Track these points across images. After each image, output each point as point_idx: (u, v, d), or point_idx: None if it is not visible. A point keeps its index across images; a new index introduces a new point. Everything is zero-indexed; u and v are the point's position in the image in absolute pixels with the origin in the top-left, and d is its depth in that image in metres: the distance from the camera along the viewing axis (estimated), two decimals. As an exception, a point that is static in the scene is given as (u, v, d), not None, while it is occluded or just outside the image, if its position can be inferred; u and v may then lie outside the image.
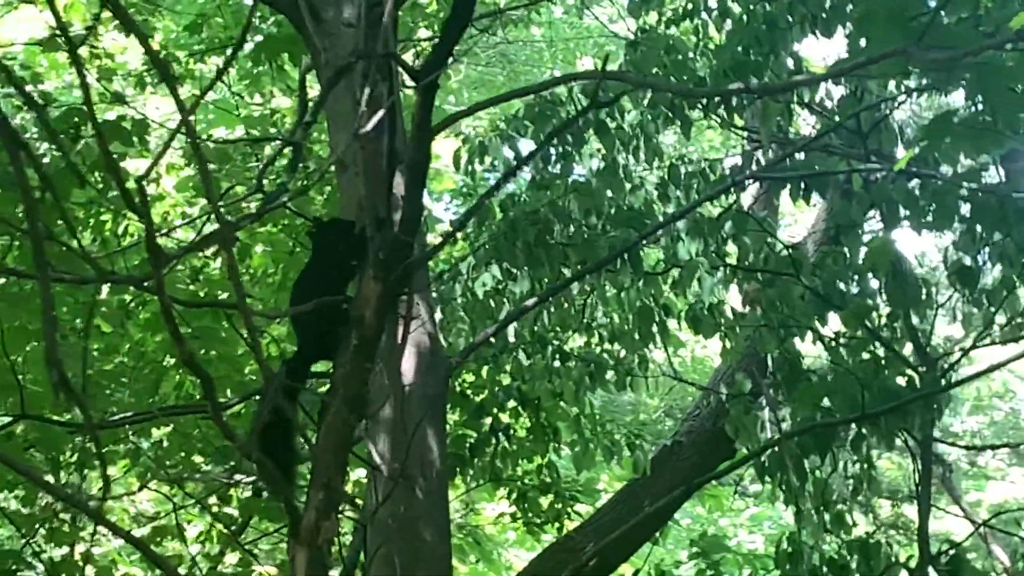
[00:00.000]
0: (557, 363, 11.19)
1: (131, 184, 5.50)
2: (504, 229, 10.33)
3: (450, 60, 8.84)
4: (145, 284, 5.84)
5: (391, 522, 8.03)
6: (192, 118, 4.83)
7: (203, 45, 12.56)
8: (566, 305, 11.07)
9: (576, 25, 17.53)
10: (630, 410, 17.77)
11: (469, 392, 11.63)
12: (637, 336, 10.48)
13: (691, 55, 10.73)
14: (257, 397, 8.30)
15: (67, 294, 9.00)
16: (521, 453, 11.81)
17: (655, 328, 10.79)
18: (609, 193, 10.57)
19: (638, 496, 12.40)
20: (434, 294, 10.98)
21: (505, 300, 10.61)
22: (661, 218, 10.39)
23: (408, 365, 8.42)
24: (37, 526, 9.45)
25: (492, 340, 10.90)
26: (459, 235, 11.04)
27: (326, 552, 6.73)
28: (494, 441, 11.66)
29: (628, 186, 10.57)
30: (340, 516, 8.28)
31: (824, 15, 9.88)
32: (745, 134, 10.96)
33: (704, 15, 11.11)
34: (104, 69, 11.13)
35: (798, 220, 18.68)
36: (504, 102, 7.81)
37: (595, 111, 10.60)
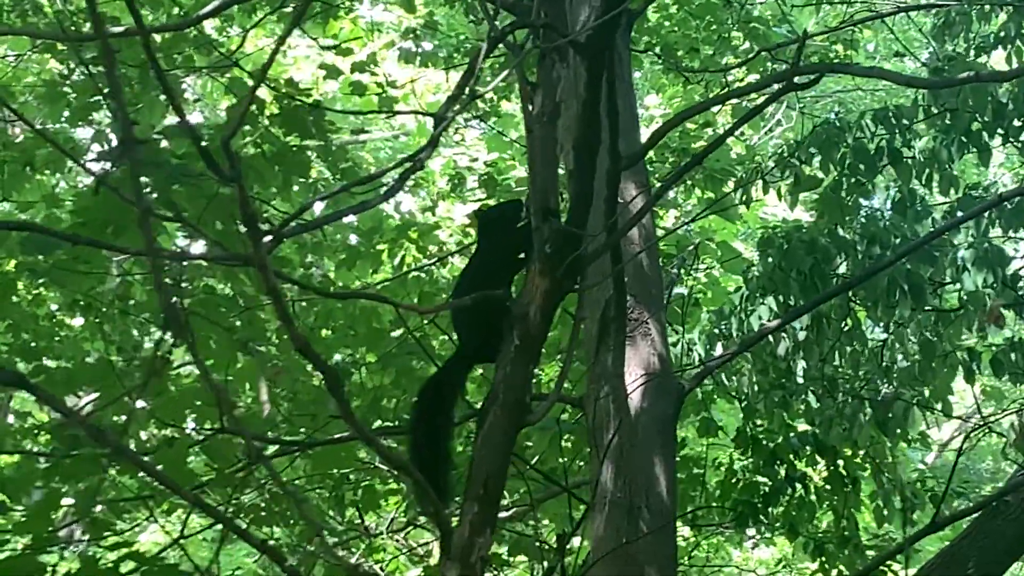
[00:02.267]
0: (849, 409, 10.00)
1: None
2: (779, 259, 9.29)
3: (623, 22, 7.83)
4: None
5: (610, 556, 7.16)
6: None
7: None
8: (858, 346, 9.89)
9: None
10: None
11: (763, 438, 10.52)
12: (917, 374, 9.22)
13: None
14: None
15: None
16: (820, 502, 10.61)
17: (959, 370, 9.55)
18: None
19: (961, 561, 11.02)
20: (707, 325, 10.04)
21: (785, 336, 9.52)
22: (950, 249, 9.18)
23: (636, 387, 7.53)
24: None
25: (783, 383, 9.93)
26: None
27: (479, 571, 5.86)
28: (790, 490, 10.51)
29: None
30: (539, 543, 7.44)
31: None
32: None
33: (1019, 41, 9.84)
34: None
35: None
36: (720, 104, 6.83)
37: (890, 141, 9.51)
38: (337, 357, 9.86)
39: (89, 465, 6.38)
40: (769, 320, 9.34)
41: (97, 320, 9.10)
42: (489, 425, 5.93)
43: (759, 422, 10.55)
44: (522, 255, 6.17)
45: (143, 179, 6.39)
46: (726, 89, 11.58)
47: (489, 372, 6.52)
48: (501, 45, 6.25)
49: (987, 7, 9.81)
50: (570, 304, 7.04)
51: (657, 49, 11.35)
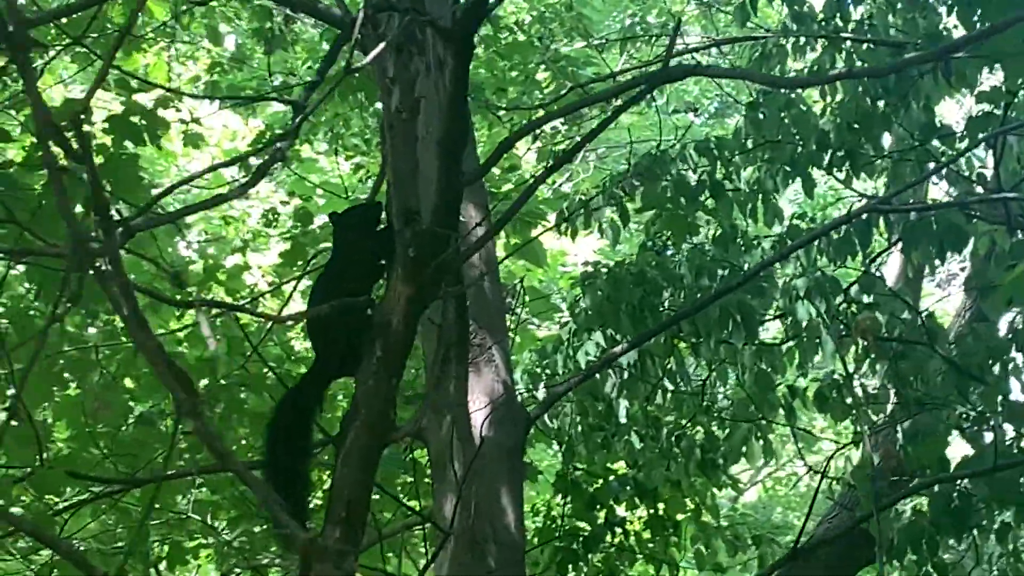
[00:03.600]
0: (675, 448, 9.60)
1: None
2: (607, 292, 8.86)
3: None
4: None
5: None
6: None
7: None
8: (682, 385, 9.50)
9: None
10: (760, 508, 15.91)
11: (583, 481, 10.03)
12: (755, 407, 8.85)
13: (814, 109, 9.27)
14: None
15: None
16: (640, 549, 10.15)
17: (780, 408, 9.22)
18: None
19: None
20: (537, 368, 9.58)
21: (612, 372, 9.08)
22: (780, 281, 8.86)
23: (480, 416, 7.00)
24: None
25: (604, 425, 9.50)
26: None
27: (343, 600, 5.25)
28: (609, 536, 10.03)
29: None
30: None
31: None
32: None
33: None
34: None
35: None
36: (580, 109, 6.37)
37: (711, 173, 9.18)
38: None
39: None
40: (596, 355, 8.91)
41: None
42: (351, 443, 5.38)
43: (579, 465, 10.09)
44: (382, 261, 5.60)
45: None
46: (532, 130, 11.17)
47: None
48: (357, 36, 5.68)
49: (802, 40, 9.55)
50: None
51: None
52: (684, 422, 9.69)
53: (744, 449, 9.10)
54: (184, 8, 9.55)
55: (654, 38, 11.63)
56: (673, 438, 9.62)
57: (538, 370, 9.54)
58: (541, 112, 10.39)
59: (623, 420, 9.57)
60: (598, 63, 10.85)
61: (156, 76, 10.80)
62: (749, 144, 9.18)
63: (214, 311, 6.88)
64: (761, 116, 9.25)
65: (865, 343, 8.14)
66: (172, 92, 8.23)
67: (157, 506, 7.89)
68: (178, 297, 6.82)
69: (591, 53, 11.47)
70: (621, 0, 12.97)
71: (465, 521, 6.84)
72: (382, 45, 5.03)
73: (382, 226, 5.70)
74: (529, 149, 11.55)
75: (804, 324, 8.55)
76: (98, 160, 6.84)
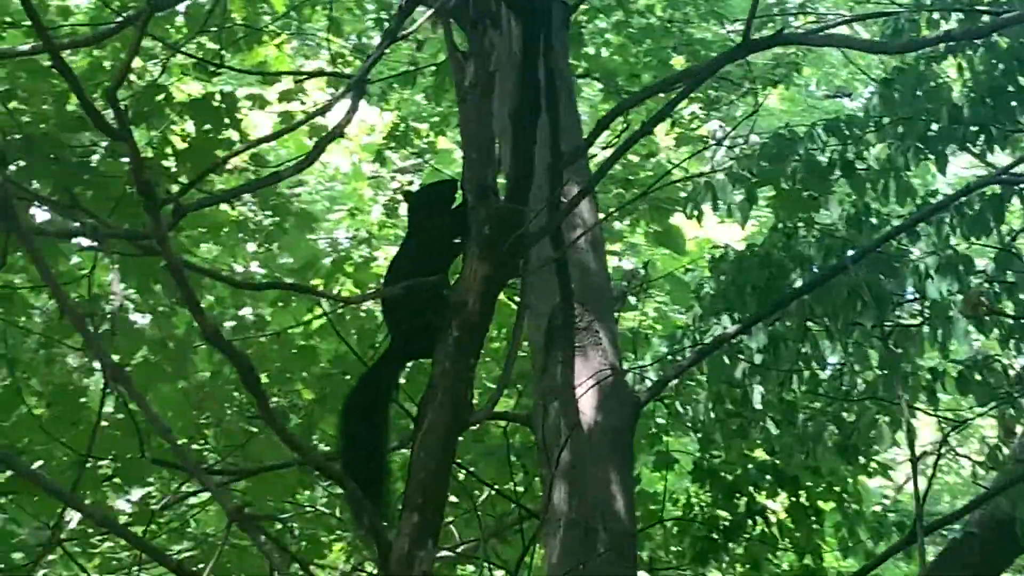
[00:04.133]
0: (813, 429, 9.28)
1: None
2: (733, 275, 8.60)
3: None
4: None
5: (567, 579, 6.46)
6: None
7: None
8: (816, 369, 9.19)
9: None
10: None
11: (721, 470, 9.78)
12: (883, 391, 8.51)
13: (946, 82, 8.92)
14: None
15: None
16: (783, 536, 9.86)
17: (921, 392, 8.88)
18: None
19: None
20: (662, 349, 9.35)
21: (740, 356, 8.81)
22: (912, 259, 8.52)
23: (588, 401, 6.82)
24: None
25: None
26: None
27: (422, 586, 5.10)
28: (750, 524, 9.76)
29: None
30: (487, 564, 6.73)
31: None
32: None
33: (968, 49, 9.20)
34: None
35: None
36: (670, 88, 6.15)
37: (843, 152, 8.88)
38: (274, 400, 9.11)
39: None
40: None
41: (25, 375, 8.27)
42: (427, 426, 5.21)
43: (716, 453, 9.84)
44: (458, 239, 5.45)
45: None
46: (669, 115, 10.93)
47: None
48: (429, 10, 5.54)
49: (936, 14, 9.18)
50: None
51: (597, 75, 10.76)
52: (821, 407, 9.37)
53: (872, 433, 8.74)
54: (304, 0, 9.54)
55: (791, 17, 11.32)
56: (809, 425, 9.31)
57: (669, 357, 9.31)
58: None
59: (758, 406, 9.30)
60: (732, 41, 10.56)
61: (278, 68, 10.75)
62: (880, 121, 8.86)
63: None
64: (895, 94, 8.94)
65: (980, 315, 7.77)
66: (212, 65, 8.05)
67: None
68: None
69: (726, 36, 11.20)
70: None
71: (574, 507, 6.68)
72: (428, 13, 4.87)
73: (457, 204, 5.54)
74: (668, 134, 11.31)
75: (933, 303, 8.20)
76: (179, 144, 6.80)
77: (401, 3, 5.37)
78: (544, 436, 6.77)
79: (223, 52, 8.50)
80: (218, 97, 7.12)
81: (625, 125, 7.29)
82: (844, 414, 9.21)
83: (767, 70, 10.82)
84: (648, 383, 9.06)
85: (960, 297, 8.24)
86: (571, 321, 6.58)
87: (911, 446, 7.11)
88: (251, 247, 9.99)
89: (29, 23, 8.46)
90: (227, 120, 7.14)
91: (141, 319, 9.37)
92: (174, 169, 7.04)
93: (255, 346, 9.09)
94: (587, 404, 6.84)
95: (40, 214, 6.98)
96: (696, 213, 8.95)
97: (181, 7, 9.24)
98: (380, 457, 5.35)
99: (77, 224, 4.42)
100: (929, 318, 8.60)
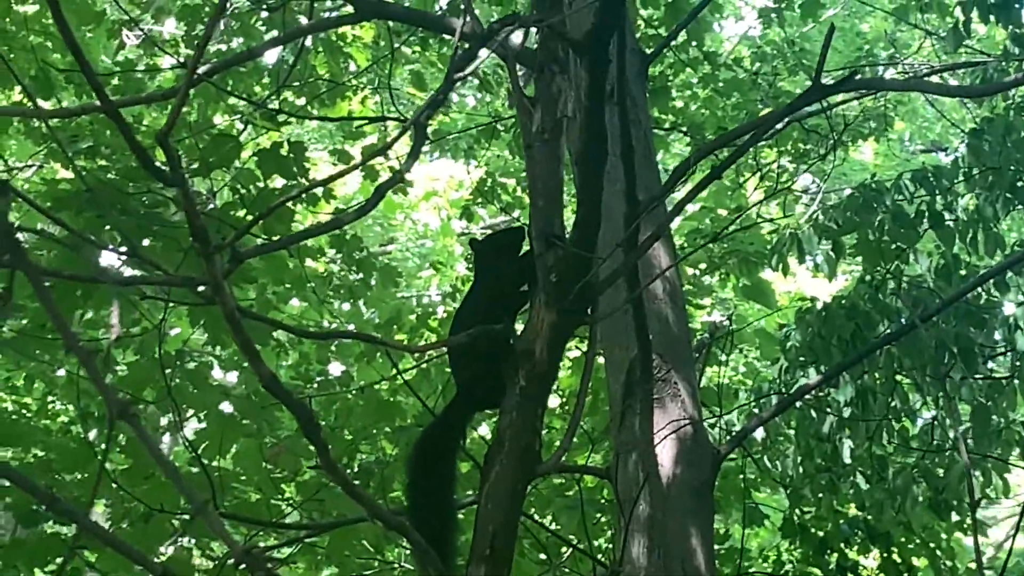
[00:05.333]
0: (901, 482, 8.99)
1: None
2: (819, 327, 8.37)
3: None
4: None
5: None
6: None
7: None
8: (907, 423, 8.93)
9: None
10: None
11: (811, 525, 9.50)
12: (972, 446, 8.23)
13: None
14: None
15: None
16: (873, 594, 9.57)
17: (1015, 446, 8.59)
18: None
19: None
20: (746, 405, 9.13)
21: (828, 410, 8.57)
22: (1003, 311, 8.26)
23: (667, 453, 6.62)
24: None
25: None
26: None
27: (488, 642, 4.93)
28: (841, 580, 9.47)
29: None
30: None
31: None
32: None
33: (1059, 99, 8.96)
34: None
35: None
36: (739, 136, 5.95)
37: (931, 203, 8.64)
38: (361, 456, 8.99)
39: (53, 544, 5.52)
40: (812, 394, 8.41)
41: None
42: (495, 476, 5.06)
43: (806, 508, 9.57)
44: (525, 287, 5.30)
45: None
46: (758, 170, 10.75)
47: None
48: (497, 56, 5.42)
49: (1025, 64, 8.94)
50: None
51: (684, 128, 10.59)
52: (913, 462, 9.09)
53: (962, 487, 8.44)
54: (386, 55, 9.46)
55: (880, 69, 11.10)
56: (898, 480, 9.03)
57: (756, 410, 9.08)
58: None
59: (848, 461, 9.04)
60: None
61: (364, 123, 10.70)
62: (969, 171, 8.62)
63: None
64: (984, 144, 8.70)
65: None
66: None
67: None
68: (311, 328, 6.57)
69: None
70: (846, 34, 12.46)
71: (653, 562, 6.47)
72: (487, 53, 4.75)
73: (524, 251, 5.39)
74: (756, 188, 11.10)
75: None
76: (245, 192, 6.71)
77: (463, 46, 5.23)
78: (621, 489, 6.58)
79: (308, 106, 8.43)
80: (286, 147, 7.03)
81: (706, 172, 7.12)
82: (937, 469, 8.94)
83: (858, 123, 10.60)
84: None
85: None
86: (649, 372, 6.38)
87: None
88: (346, 305, 9.91)
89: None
90: (295, 169, 7.04)
91: (229, 377, 9.33)
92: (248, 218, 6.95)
93: (339, 401, 8.99)
94: (666, 456, 6.63)
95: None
96: (781, 265, 8.75)
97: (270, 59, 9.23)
98: (447, 509, 5.19)
99: (137, 273, 4.31)
100: (1020, 370, 8.34)
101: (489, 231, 11.83)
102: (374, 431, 9.08)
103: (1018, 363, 8.16)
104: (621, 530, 6.55)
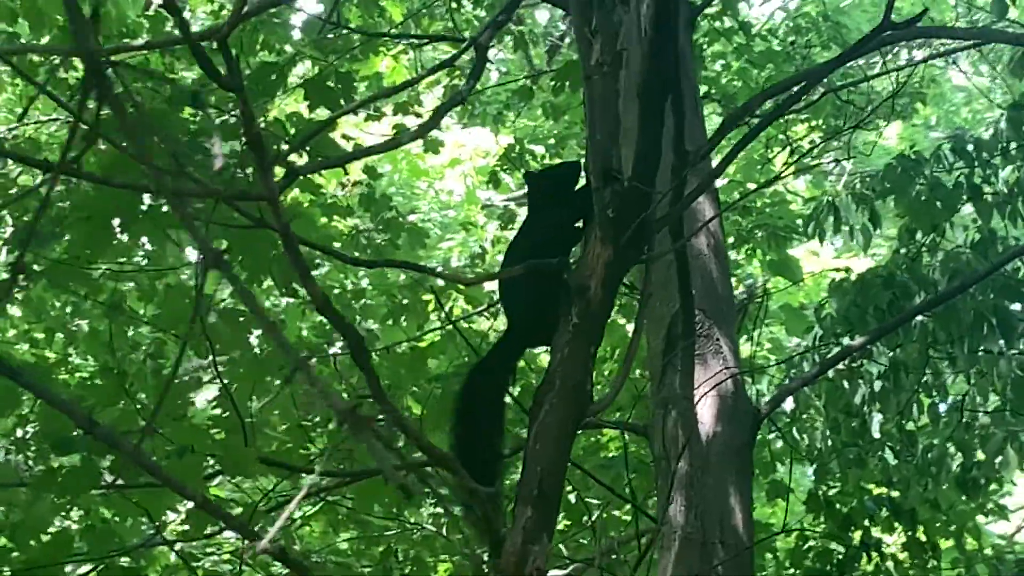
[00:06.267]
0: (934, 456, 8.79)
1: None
2: (854, 296, 8.17)
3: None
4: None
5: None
6: None
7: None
8: (938, 399, 8.73)
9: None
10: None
11: (836, 501, 9.29)
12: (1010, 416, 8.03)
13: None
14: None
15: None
16: (898, 571, 9.34)
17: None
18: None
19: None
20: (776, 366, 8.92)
21: (861, 383, 8.38)
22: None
23: (707, 411, 6.43)
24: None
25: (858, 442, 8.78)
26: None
27: (536, 585, 4.73)
28: (865, 558, 9.26)
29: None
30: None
31: None
32: None
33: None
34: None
35: None
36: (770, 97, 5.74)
37: (969, 176, 8.44)
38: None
39: (86, 475, 5.33)
40: (845, 364, 8.21)
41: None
42: (544, 416, 4.84)
43: (832, 483, 9.37)
44: (580, 223, 5.10)
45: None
46: (788, 144, 10.56)
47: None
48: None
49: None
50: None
51: (718, 98, 10.40)
52: (941, 439, 8.88)
53: (998, 460, 8.23)
54: (422, 10, 9.26)
55: (912, 46, 10.89)
56: (929, 455, 8.83)
57: (787, 380, 8.89)
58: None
59: (876, 435, 8.84)
60: (854, 71, 10.17)
61: (395, 80, 10.47)
62: (1008, 145, 8.42)
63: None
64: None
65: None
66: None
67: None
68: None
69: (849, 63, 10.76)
70: (879, 6, 12.19)
71: (692, 523, 6.28)
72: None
73: (580, 185, 5.19)
74: (786, 163, 10.88)
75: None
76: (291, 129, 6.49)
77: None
78: (661, 446, 6.40)
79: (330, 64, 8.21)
80: (334, 78, 6.81)
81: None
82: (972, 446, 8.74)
83: (887, 103, 10.38)
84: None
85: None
86: (692, 327, 6.19)
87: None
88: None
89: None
90: (343, 101, 6.82)
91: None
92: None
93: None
94: (706, 415, 6.45)
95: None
96: (819, 233, 8.55)
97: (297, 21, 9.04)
98: (494, 449, 5.00)
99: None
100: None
101: (513, 203, 11.62)
102: (398, 390, 8.87)
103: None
104: (662, 489, 6.38)
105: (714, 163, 6.61)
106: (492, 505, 4.79)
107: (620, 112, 5.08)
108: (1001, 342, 7.94)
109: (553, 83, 8.99)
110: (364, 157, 5.45)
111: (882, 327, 7.49)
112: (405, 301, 9.11)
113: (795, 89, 5.43)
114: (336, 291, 9.45)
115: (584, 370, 4.87)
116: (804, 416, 9.04)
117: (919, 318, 8.18)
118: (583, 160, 5.19)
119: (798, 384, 7.18)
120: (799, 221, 10.42)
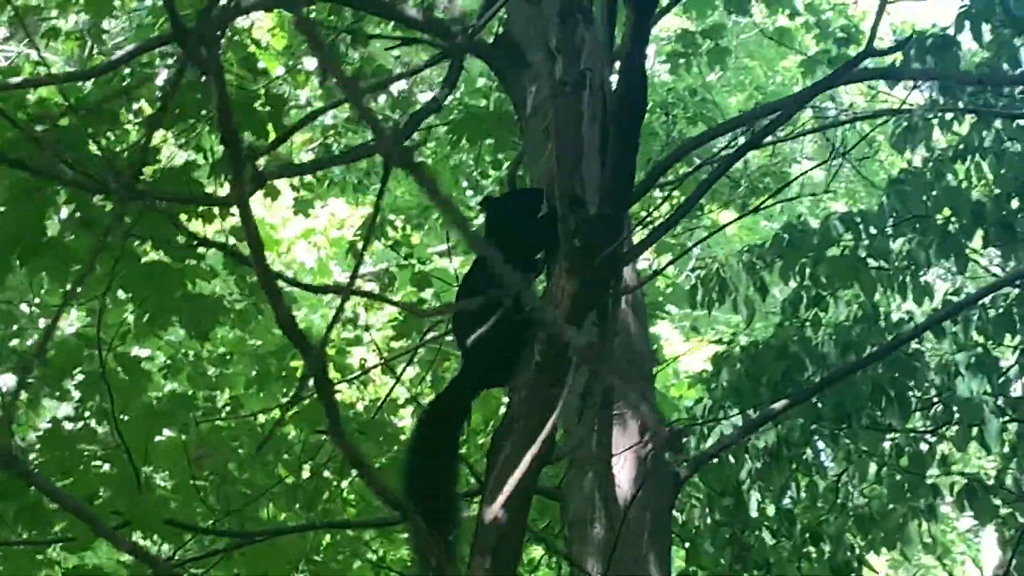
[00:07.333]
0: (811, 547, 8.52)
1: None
2: (746, 366, 7.88)
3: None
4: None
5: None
6: None
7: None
8: (818, 479, 8.48)
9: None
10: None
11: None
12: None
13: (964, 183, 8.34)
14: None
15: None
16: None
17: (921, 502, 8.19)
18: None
19: None
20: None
21: (747, 455, 8.07)
22: (933, 361, 7.87)
23: (625, 473, 6.02)
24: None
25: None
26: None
27: (491, 638, 4.27)
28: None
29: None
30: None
31: None
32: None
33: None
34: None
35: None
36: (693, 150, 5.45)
37: (854, 249, 8.25)
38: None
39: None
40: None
41: None
42: (504, 462, 4.39)
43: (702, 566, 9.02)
44: (541, 254, 4.69)
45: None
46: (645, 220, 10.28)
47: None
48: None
49: (948, 116, 8.61)
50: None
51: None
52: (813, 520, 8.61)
53: (898, 537, 7.98)
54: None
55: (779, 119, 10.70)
56: (807, 536, 8.54)
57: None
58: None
59: (754, 514, 8.53)
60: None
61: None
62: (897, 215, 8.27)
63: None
64: (908, 189, 8.36)
65: None
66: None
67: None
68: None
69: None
70: (746, 87, 12.12)
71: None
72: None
73: (542, 213, 4.78)
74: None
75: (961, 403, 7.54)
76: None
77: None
78: (575, 509, 5.98)
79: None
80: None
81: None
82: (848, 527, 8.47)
83: (758, 177, 10.21)
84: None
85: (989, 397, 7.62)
86: (610, 387, 5.79)
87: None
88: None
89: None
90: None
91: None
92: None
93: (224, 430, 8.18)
94: (623, 477, 6.04)
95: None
96: (706, 300, 8.27)
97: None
98: (449, 495, 4.52)
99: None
100: (945, 423, 7.96)
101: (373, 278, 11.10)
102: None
103: (956, 411, 7.73)
104: (578, 555, 5.96)
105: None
106: (446, 554, 4.32)
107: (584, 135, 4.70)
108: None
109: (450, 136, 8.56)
110: (329, 167, 4.97)
111: (795, 399, 7.14)
112: (271, 369, 8.58)
113: (770, 119, 5.09)
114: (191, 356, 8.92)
115: (548, 411, 4.43)
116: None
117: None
118: (544, 187, 4.79)
119: (718, 448, 6.82)
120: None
